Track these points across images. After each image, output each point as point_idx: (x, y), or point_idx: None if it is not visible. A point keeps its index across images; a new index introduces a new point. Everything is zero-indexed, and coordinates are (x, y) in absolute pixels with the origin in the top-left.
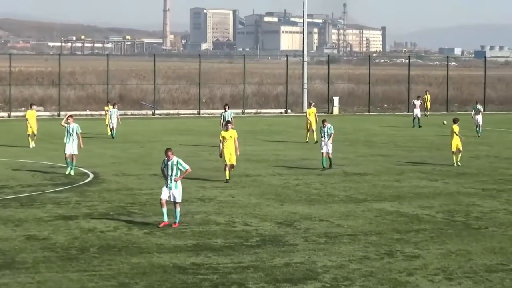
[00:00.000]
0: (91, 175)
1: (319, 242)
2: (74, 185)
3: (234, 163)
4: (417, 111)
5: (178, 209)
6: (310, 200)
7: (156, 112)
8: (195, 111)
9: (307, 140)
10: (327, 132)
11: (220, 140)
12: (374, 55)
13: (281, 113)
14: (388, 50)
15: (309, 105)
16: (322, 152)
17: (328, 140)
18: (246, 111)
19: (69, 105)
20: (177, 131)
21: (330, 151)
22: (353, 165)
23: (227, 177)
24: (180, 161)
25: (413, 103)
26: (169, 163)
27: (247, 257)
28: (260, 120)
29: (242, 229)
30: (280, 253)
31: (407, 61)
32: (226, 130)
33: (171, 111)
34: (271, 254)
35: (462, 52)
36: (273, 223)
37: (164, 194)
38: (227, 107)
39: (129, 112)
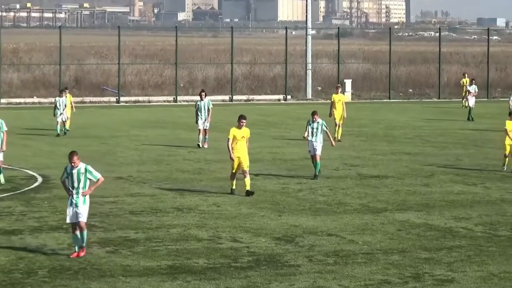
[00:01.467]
0: (40, 179)
1: (327, 262)
2: (18, 191)
3: (247, 168)
4: (472, 101)
5: (84, 232)
6: (315, 210)
7: (122, 99)
8: (170, 98)
9: (339, 138)
10: (317, 128)
11: (228, 139)
12: (396, 27)
13: (279, 100)
14: (413, 21)
15: (336, 90)
16: (312, 155)
17: (318, 139)
18: (235, 97)
19: (12, 90)
20: (147, 123)
21: (318, 152)
22: (370, 166)
23: (247, 188)
24: (90, 168)
25: (468, 90)
26: (74, 171)
27: (236, 281)
28: (252, 109)
29: (230, 247)
30: (278, 276)
31: (437, 34)
32: (239, 127)
33: (140, 98)
34: (266, 277)
35: (507, 24)
36: (269, 238)
37: (71, 217)
38: (203, 94)
39: (87, 99)
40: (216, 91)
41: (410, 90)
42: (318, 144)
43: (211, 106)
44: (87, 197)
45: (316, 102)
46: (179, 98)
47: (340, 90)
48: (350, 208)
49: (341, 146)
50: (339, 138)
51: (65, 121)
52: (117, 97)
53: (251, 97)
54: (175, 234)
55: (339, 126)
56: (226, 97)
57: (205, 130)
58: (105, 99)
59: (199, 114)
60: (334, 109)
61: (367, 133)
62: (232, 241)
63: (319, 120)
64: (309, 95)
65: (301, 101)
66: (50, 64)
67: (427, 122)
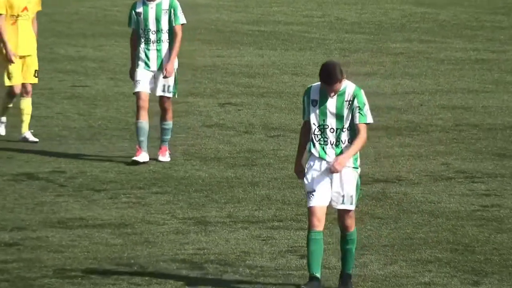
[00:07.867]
0: None
1: None
2: None
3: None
4: None
5: None
6: None
7: None
8: None
9: None
10: (339, 117)
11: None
12: None
13: None
14: None
15: None
16: (312, 207)
17: (341, 154)
18: None
19: None
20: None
21: (348, 204)
22: None
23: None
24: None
25: None
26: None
27: None
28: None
29: None
30: None
31: None
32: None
33: None
34: None
35: None
36: None
37: None
38: None
39: None
40: None
41: None
42: (344, 172)
43: (181, 20)
44: None
45: None
46: None
47: None
48: None
49: None
50: None
51: None
52: None
53: None
54: None
55: None
56: None
57: (161, 100)
58: None
59: (142, 46)
60: None
61: None
62: None
63: (348, 84)
64: None
65: None
66: None
67: None
